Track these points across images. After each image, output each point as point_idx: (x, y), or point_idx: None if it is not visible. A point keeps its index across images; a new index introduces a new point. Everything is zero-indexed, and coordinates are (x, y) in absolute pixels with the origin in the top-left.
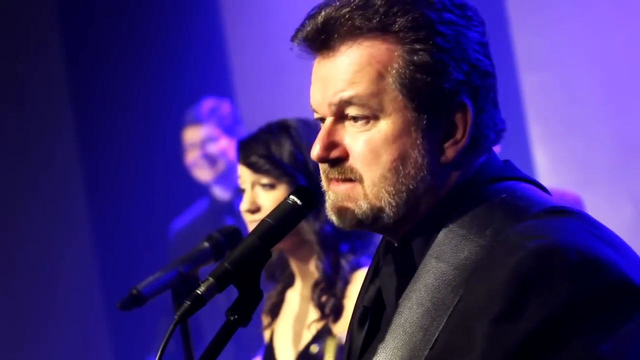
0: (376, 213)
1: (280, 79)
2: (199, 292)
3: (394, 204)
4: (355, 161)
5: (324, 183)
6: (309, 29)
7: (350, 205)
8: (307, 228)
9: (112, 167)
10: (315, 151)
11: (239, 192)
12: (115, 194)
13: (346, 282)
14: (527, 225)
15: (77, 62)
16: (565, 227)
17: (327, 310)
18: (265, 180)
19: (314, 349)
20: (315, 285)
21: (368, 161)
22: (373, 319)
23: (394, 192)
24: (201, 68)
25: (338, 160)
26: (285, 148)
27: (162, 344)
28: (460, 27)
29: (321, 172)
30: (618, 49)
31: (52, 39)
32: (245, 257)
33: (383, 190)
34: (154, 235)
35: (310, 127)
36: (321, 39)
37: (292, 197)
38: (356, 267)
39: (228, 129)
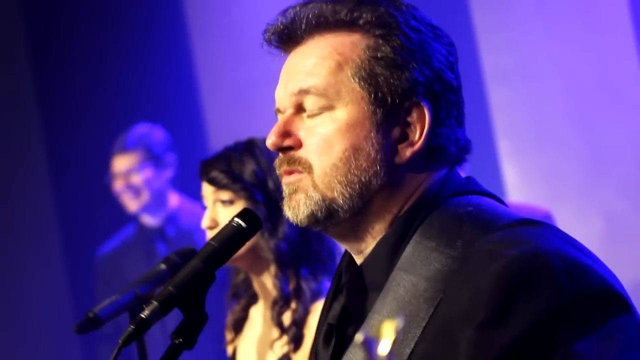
0: (329, 204)
1: (246, 76)
2: (143, 315)
3: (346, 195)
4: (307, 151)
5: (282, 181)
6: (278, 24)
7: (301, 196)
8: (264, 245)
9: (79, 168)
10: (270, 139)
11: (169, 220)
12: (82, 198)
13: (307, 312)
14: (503, 234)
15: (41, 51)
16: (542, 235)
17: (287, 329)
18: (224, 196)
19: None
20: (274, 303)
21: (320, 150)
22: (339, 336)
23: (345, 182)
24: (165, 57)
25: (290, 149)
26: (247, 165)
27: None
28: (425, 36)
29: (276, 168)
30: (586, 63)
31: (17, 43)
32: (189, 280)
33: (335, 180)
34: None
35: None
36: (289, 33)
37: (236, 219)
38: (317, 296)
39: (155, 158)
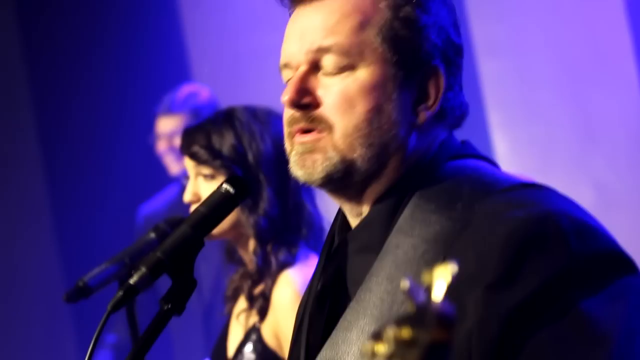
0: (347, 166)
1: (239, 67)
2: (131, 282)
3: (366, 157)
4: (327, 110)
5: (286, 140)
6: None
7: (319, 156)
8: (245, 222)
9: (74, 156)
10: (287, 95)
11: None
12: (77, 184)
13: (273, 282)
14: (508, 196)
15: (36, 49)
16: (549, 197)
17: (255, 303)
18: (206, 171)
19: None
20: (246, 275)
21: (342, 110)
22: (334, 298)
23: (367, 143)
24: (160, 56)
25: (308, 107)
26: (226, 139)
27: (95, 333)
28: (440, 3)
29: (285, 126)
30: (576, 35)
31: (9, 28)
32: (177, 246)
33: (356, 141)
34: (117, 225)
35: (256, 118)
36: None
37: (224, 185)
38: (285, 266)
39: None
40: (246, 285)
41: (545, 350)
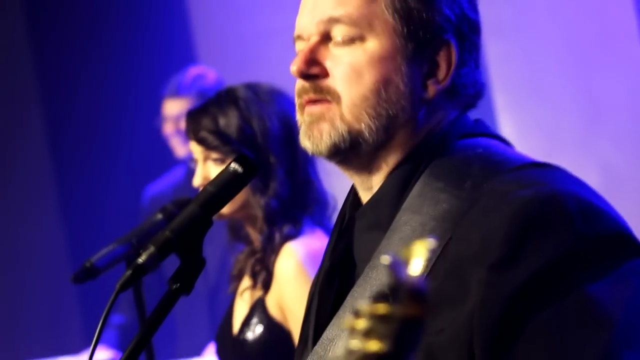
0: (354, 137)
1: (244, 49)
2: (140, 261)
3: (373, 127)
4: (336, 80)
5: (297, 111)
6: None
7: (326, 126)
8: (255, 203)
9: (80, 139)
10: (296, 65)
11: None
12: (83, 166)
13: (276, 255)
14: (517, 175)
15: (41, 31)
16: (557, 177)
17: (259, 280)
18: (215, 155)
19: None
20: (251, 253)
21: (350, 80)
22: (343, 276)
23: (374, 114)
24: (165, 38)
25: (317, 77)
26: (233, 122)
27: (104, 313)
28: None
29: (296, 97)
30: (583, 16)
31: (14, 12)
32: (186, 225)
33: (363, 111)
34: (122, 207)
35: (258, 96)
36: None
37: (233, 164)
38: (287, 238)
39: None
40: (250, 262)
41: (547, 332)
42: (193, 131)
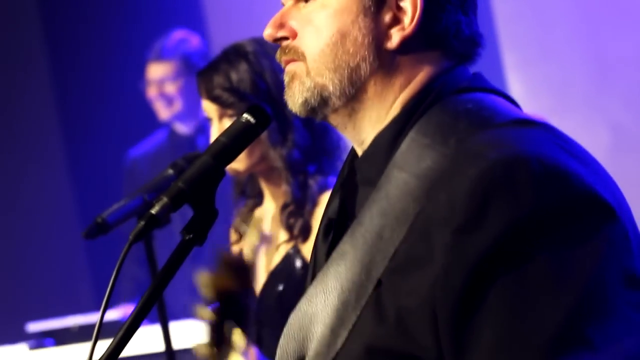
0: (320, 91)
1: (252, 7)
2: (152, 212)
3: (336, 80)
4: (299, 39)
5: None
6: None
7: (296, 84)
8: (274, 155)
9: (85, 94)
10: (266, 30)
11: (200, 130)
12: (90, 121)
13: (314, 204)
14: (491, 134)
15: None
16: (531, 137)
17: (295, 231)
18: (231, 112)
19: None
20: (284, 207)
21: (310, 37)
22: (337, 230)
23: (333, 67)
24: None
25: (285, 39)
26: (246, 77)
27: (117, 264)
28: None
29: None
30: None
31: None
32: (199, 176)
33: (323, 65)
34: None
35: (266, 49)
36: None
37: (245, 115)
38: (324, 188)
39: (191, 67)
40: (284, 216)
41: (507, 299)
42: (206, 90)
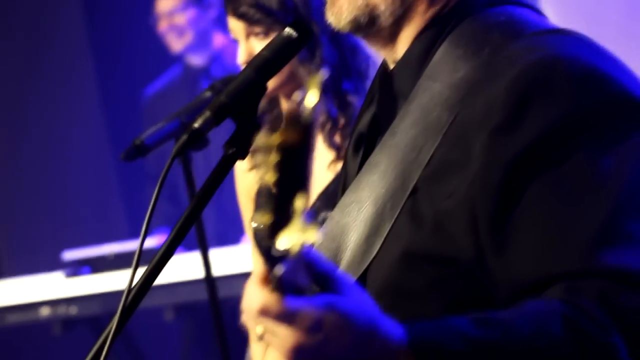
0: (371, 9)
1: None
2: (196, 125)
3: (389, 0)
4: None
5: None
6: None
7: (345, 2)
8: (303, 72)
9: (118, 22)
10: None
11: (214, 59)
12: (122, 52)
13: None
14: (529, 41)
15: None
16: (568, 43)
17: (340, 145)
18: (258, 29)
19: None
20: (322, 126)
21: None
22: (368, 144)
23: None
24: None
25: None
26: None
27: (161, 176)
28: None
29: None
30: None
31: None
32: (241, 90)
33: None
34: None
35: None
36: None
37: (287, 29)
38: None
39: None
40: (324, 134)
41: (546, 197)
42: (232, 8)
